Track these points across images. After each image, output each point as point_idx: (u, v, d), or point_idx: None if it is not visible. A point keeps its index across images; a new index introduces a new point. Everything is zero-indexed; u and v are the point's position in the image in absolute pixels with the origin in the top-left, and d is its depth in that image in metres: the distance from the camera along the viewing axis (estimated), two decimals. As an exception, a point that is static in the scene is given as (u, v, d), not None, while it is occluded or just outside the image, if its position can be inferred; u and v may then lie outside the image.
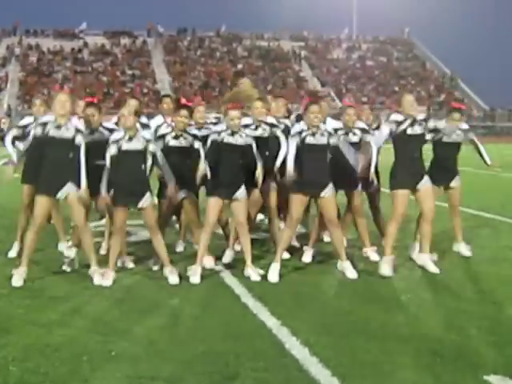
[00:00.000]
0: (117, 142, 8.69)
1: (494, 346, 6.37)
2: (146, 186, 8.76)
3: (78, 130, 8.63)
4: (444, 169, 9.95)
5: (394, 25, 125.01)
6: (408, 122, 9.08)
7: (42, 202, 8.63)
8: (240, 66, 77.14)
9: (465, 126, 10.24)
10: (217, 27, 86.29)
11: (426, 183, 9.20)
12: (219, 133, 8.96)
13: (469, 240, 10.88)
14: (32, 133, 8.69)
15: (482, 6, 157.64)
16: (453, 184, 10.12)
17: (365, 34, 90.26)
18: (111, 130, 9.27)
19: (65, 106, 8.58)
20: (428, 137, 9.59)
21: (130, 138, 8.68)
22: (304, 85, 75.76)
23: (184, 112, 9.42)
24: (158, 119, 10.63)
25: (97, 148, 9.01)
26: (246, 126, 9.40)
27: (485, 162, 10.51)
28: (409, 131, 9.08)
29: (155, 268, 9.28)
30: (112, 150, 8.70)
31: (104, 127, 9.37)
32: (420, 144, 9.20)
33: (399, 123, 9.10)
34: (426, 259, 9.26)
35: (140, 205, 8.73)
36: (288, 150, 8.92)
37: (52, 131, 8.53)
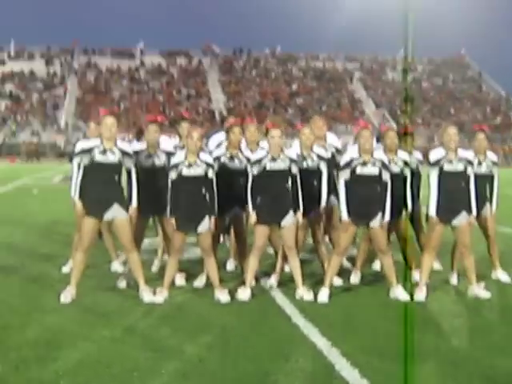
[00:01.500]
0: (176, 166, 8.75)
1: (549, 374, 6.24)
2: (205, 211, 8.78)
3: (124, 153, 8.76)
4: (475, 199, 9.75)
5: (450, 46, 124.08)
6: (446, 158, 9.04)
7: (88, 224, 8.74)
8: (295, 87, 77.37)
9: (494, 157, 10.16)
10: (272, 47, 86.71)
11: (462, 219, 9.11)
12: (260, 160, 8.97)
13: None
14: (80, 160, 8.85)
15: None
16: (483, 213, 9.96)
17: (420, 55, 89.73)
18: (169, 154, 9.36)
19: (111, 129, 8.71)
20: (469, 171, 9.43)
21: (190, 164, 8.75)
22: (358, 106, 75.59)
23: (238, 129, 9.46)
24: (220, 135, 10.63)
25: (156, 171, 9.12)
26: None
27: (490, 203, 10.26)
28: (447, 167, 9.03)
29: (197, 285, 9.48)
30: (172, 175, 8.77)
31: (162, 150, 9.45)
32: (457, 180, 9.10)
33: (440, 159, 9.07)
34: (474, 290, 9.14)
35: (199, 230, 8.79)
36: (339, 193, 8.95)
37: (98, 156, 8.65)
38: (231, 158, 9.43)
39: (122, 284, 9.41)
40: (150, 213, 9.58)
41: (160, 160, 9.36)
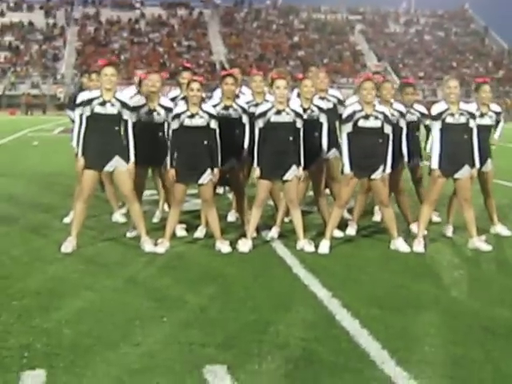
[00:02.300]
0: (178, 117, 8.71)
1: (548, 324, 6.28)
2: (208, 162, 8.76)
3: (124, 105, 8.70)
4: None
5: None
6: (448, 111, 9.01)
7: (89, 175, 8.74)
8: (296, 39, 76.76)
9: (498, 108, 10.16)
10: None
11: (465, 172, 9.10)
12: (265, 113, 8.91)
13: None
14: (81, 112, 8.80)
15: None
16: (484, 168, 9.95)
17: (423, 7, 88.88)
18: (167, 109, 9.29)
19: (111, 79, 8.64)
20: (471, 124, 9.27)
21: (193, 115, 8.70)
22: (360, 58, 75.10)
23: (230, 79, 9.36)
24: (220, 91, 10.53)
25: (155, 126, 9.07)
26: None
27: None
28: (449, 120, 9.00)
29: (198, 235, 9.53)
30: (174, 125, 8.74)
31: (161, 105, 9.36)
32: (460, 133, 9.08)
33: (442, 112, 9.04)
34: (475, 243, 9.17)
35: (200, 181, 8.78)
36: (342, 147, 8.94)
37: (97, 108, 8.60)
38: (225, 108, 9.35)
39: (132, 234, 9.42)
40: (147, 163, 9.49)
41: (160, 116, 9.29)
